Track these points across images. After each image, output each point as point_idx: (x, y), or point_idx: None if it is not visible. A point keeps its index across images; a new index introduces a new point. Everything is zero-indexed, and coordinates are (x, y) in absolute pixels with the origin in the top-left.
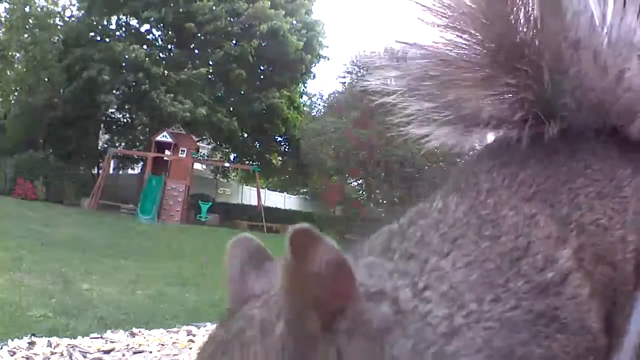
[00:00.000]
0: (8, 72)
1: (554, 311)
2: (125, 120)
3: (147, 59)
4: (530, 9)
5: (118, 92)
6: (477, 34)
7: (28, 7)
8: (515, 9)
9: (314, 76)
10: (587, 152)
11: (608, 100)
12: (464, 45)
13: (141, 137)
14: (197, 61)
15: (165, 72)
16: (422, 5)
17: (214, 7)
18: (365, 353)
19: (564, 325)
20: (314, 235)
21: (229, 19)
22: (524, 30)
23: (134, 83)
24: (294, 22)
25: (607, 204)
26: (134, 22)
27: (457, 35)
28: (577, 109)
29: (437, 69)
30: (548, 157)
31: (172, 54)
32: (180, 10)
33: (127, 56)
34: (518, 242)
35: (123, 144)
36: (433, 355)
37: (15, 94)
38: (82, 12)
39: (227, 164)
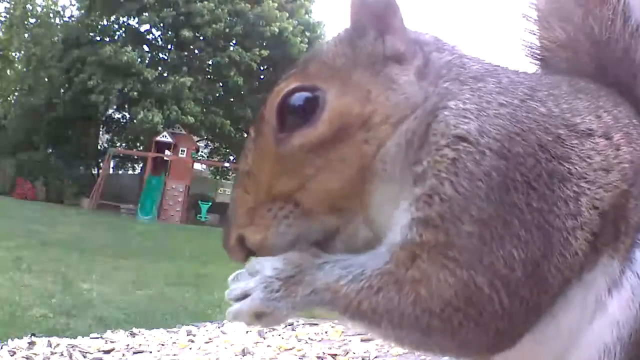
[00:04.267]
0: (8, 71)
1: (562, 152)
2: (125, 121)
3: (139, 60)
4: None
5: (113, 96)
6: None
7: (29, 5)
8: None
9: None
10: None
11: None
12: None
13: (141, 137)
14: (197, 62)
15: (166, 73)
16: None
17: (214, 9)
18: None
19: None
20: None
21: (230, 19)
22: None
23: (125, 89)
24: (296, 23)
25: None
26: (133, 22)
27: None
28: None
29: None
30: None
31: (171, 55)
32: (181, 12)
33: (120, 59)
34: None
35: (123, 144)
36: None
37: (16, 94)
38: (82, 12)
39: (227, 164)
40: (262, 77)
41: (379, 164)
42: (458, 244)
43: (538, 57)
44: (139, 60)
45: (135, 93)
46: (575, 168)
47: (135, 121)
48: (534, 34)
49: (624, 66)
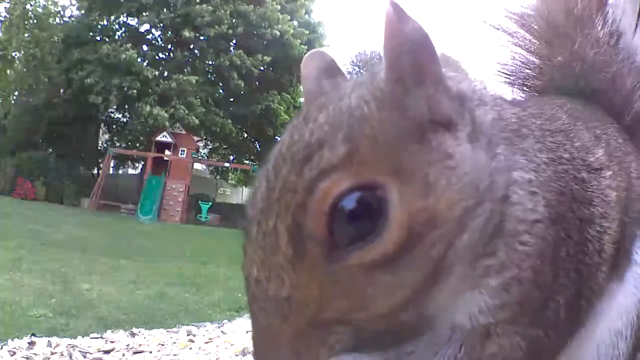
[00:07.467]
0: (8, 72)
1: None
2: (125, 120)
3: (140, 59)
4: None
5: (112, 95)
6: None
7: (29, 5)
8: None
9: None
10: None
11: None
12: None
13: (141, 137)
14: (197, 63)
15: (165, 73)
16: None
17: (213, 11)
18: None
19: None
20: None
21: (232, 20)
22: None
23: (124, 87)
24: (296, 24)
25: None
26: (133, 22)
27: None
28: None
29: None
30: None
31: (172, 55)
32: (179, 13)
33: (119, 58)
34: (568, 132)
35: (123, 144)
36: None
37: (16, 94)
38: (82, 11)
39: (227, 164)
40: (262, 77)
41: (446, 267)
42: (528, 312)
43: (519, 79)
44: (141, 59)
45: (134, 91)
46: (597, 209)
47: (141, 118)
48: (532, 55)
49: (614, 91)
